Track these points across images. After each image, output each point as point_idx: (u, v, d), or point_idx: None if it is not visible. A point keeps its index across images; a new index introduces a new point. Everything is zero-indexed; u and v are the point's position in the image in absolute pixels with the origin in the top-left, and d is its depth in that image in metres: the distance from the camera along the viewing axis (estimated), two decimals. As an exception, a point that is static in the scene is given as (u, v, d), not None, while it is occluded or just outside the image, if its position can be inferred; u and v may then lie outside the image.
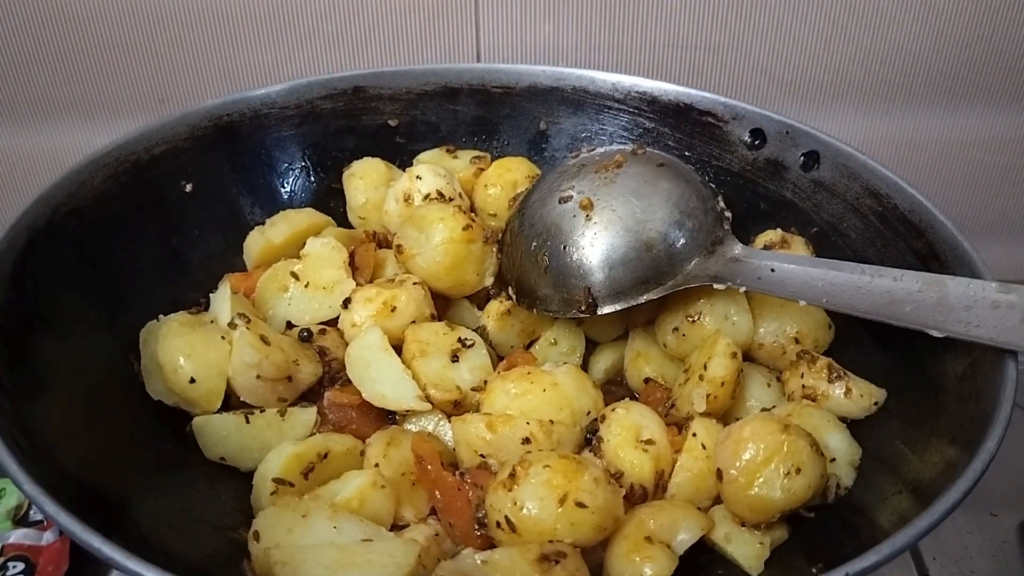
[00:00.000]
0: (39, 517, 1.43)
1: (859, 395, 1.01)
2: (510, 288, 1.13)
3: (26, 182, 1.52)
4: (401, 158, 1.34)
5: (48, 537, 1.41)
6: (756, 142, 1.25)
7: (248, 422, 1.00)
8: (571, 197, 1.09)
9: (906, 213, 1.08)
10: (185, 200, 1.19)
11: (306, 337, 1.09)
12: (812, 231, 1.19)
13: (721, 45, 1.42)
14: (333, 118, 1.31)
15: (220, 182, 1.23)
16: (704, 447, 0.95)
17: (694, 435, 0.96)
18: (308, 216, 1.24)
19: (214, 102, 1.23)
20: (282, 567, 0.78)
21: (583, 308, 1.06)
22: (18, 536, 1.41)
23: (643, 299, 1.05)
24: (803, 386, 1.03)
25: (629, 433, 0.97)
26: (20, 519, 1.45)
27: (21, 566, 1.35)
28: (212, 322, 1.07)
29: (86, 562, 1.40)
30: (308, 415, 1.03)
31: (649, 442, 0.96)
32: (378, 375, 1.03)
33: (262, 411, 1.01)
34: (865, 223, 1.13)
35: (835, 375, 1.02)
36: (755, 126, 1.24)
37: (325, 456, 0.97)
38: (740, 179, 1.26)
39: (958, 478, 0.74)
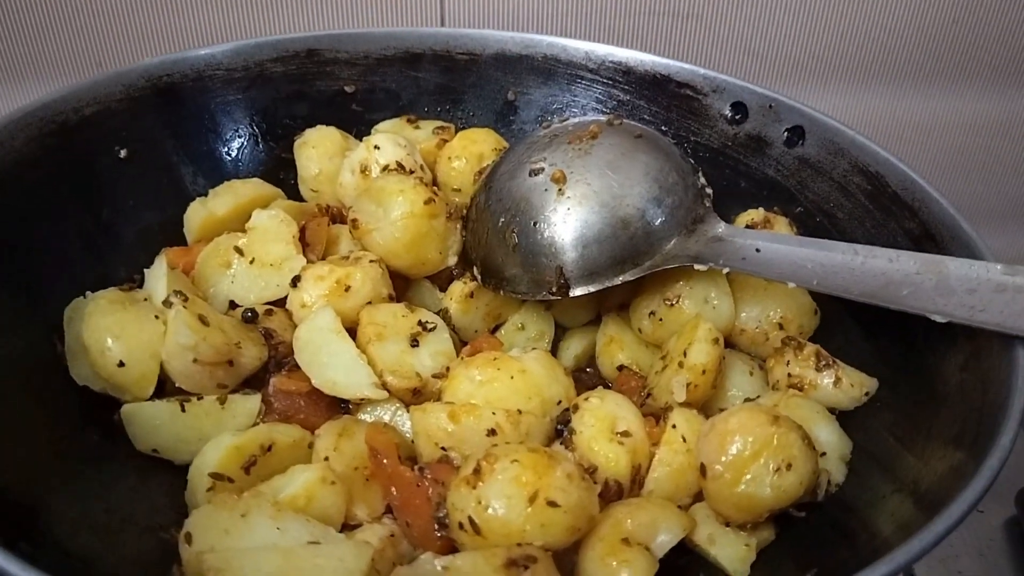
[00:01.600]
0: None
1: (849, 384, 0.94)
2: (475, 268, 1.05)
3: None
4: (358, 127, 1.25)
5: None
6: (737, 116, 1.18)
7: (184, 410, 0.90)
8: (542, 170, 1.01)
9: (898, 191, 1.02)
10: (119, 167, 1.08)
11: (250, 318, 1.00)
12: (796, 211, 1.13)
13: (700, 15, 1.35)
14: (284, 82, 1.22)
15: (158, 148, 1.13)
16: (684, 440, 0.88)
17: (674, 427, 0.89)
18: (255, 187, 1.15)
19: (152, 61, 1.12)
20: (216, 574, 0.69)
21: (554, 289, 0.98)
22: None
23: (619, 280, 0.97)
24: (789, 375, 0.97)
25: (604, 424, 0.89)
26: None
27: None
28: (146, 300, 0.97)
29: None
30: (251, 403, 0.93)
31: (625, 434, 0.88)
32: (329, 360, 0.94)
33: (200, 398, 0.91)
34: (853, 202, 1.07)
35: (823, 363, 0.96)
36: (736, 99, 1.17)
37: (269, 448, 0.88)
38: (720, 155, 1.19)
39: (973, 476, 0.67)
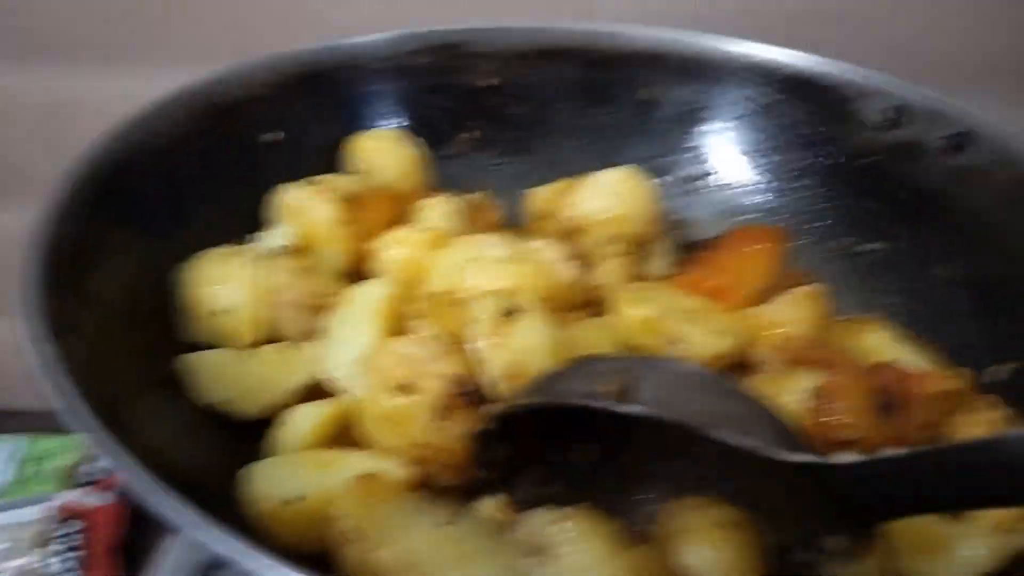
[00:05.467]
0: (94, 477, 1.39)
1: None
2: None
3: (89, 125, 1.45)
4: (497, 123, 1.25)
5: (106, 499, 1.37)
6: (891, 121, 1.12)
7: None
8: None
9: (1072, 204, 0.95)
10: (265, 148, 1.11)
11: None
12: (954, 221, 1.07)
13: (854, 14, 1.29)
14: (426, 75, 1.22)
15: (304, 132, 1.15)
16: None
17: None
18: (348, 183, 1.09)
19: (302, 48, 1.16)
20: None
21: None
22: (75, 496, 1.37)
23: None
24: None
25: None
26: (74, 479, 1.40)
27: (79, 524, 1.30)
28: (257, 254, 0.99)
29: (143, 527, 1.35)
30: None
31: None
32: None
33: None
34: (1019, 217, 1.00)
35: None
36: (892, 103, 1.11)
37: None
38: (873, 163, 1.13)
39: None
